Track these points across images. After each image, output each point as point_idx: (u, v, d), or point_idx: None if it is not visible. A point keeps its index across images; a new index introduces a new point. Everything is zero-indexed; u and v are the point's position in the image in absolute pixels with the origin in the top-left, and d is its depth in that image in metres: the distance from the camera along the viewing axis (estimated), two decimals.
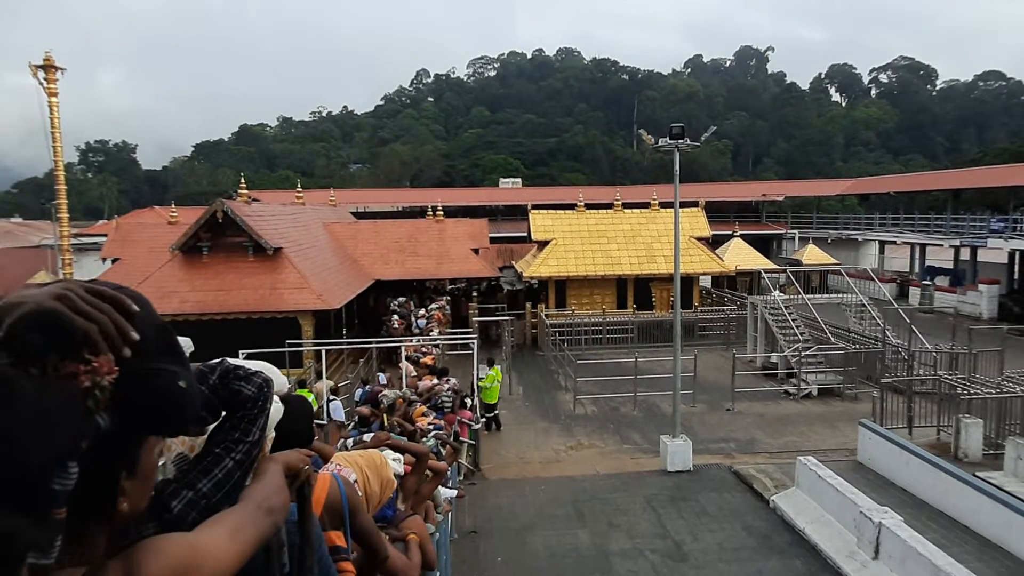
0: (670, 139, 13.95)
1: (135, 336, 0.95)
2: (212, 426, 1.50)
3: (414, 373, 14.18)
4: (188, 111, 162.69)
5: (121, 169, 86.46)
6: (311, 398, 13.14)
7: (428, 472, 5.78)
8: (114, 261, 25.88)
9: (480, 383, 15.69)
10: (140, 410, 0.97)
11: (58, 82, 18.89)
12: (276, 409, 2.76)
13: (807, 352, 19.20)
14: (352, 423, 11.05)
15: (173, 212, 28.75)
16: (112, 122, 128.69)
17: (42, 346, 0.86)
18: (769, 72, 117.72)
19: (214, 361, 1.52)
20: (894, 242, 40.95)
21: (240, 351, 14.22)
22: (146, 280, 18.66)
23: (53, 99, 17.91)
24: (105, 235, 28.53)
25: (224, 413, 1.49)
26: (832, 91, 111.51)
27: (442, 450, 8.60)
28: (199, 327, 17.48)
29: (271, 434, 3.18)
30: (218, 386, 1.46)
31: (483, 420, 15.22)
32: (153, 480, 1.12)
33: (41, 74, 18.31)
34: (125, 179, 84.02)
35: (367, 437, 7.60)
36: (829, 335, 20.40)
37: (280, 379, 2.79)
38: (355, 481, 3.11)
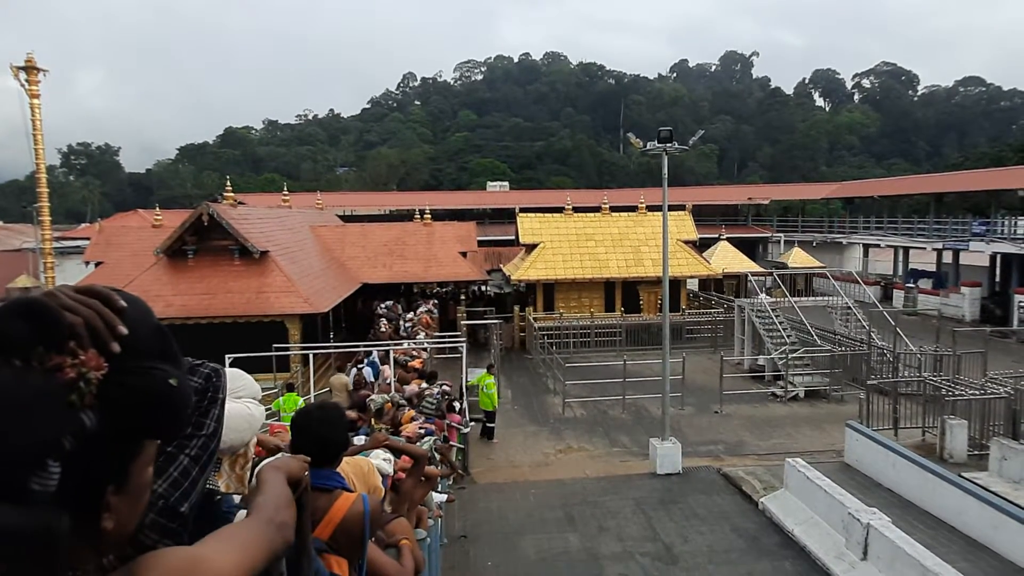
0: (658, 143, 14.01)
1: (123, 330, 0.92)
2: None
3: (390, 380, 14.08)
4: (172, 113, 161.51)
5: (104, 172, 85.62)
6: (300, 402, 13.05)
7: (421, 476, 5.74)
8: (97, 265, 25.57)
9: (471, 382, 15.68)
10: (128, 410, 0.92)
11: (40, 83, 18.71)
12: (256, 413, 2.69)
13: (794, 354, 19.33)
14: None
15: (158, 215, 28.44)
16: (93, 124, 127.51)
17: (26, 336, 0.83)
18: (754, 77, 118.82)
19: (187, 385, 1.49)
20: (878, 245, 41.39)
21: (226, 355, 14.12)
22: (130, 284, 18.43)
23: (35, 101, 17.72)
24: (88, 238, 28.25)
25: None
26: (816, 96, 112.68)
27: (437, 455, 8.56)
28: (184, 331, 17.28)
29: (251, 440, 3.09)
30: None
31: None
32: (143, 502, 1.06)
33: (23, 75, 18.12)
34: (108, 182, 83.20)
35: (357, 440, 7.53)
36: (815, 337, 20.55)
37: (254, 386, 2.71)
38: None
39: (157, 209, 31.88)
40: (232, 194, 21.27)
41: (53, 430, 0.82)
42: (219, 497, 2.15)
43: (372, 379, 14.49)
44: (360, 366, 14.75)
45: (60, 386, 0.84)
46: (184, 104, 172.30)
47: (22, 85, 17.61)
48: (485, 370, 16.17)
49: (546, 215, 29.63)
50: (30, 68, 17.50)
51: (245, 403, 2.27)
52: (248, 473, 2.32)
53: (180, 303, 17.85)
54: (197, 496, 1.39)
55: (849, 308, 22.34)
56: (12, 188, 76.14)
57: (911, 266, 38.63)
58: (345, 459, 3.70)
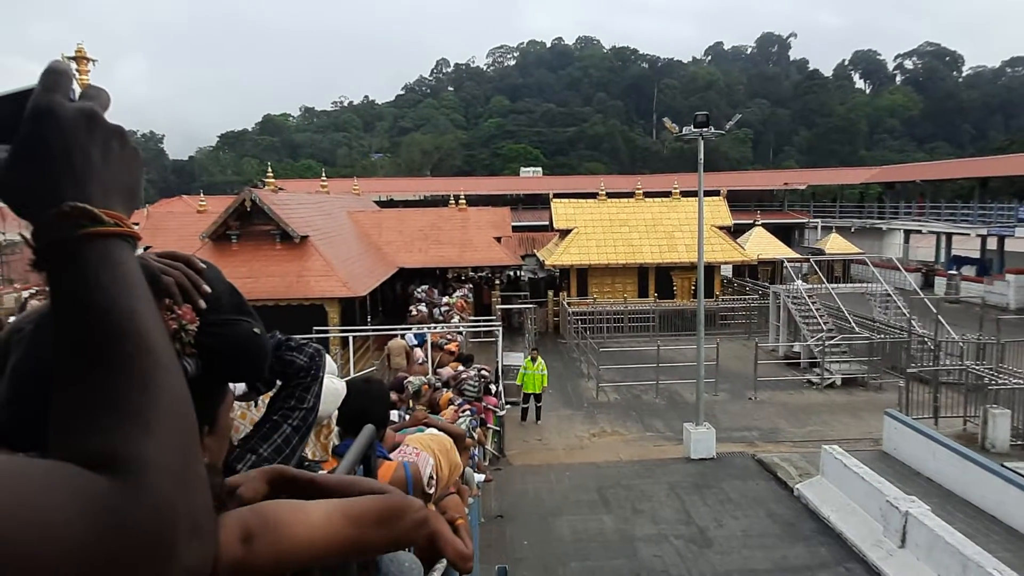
0: (694, 127, 13.95)
1: (207, 288, 1.02)
2: (269, 396, 1.62)
3: (421, 359, 14.59)
4: (212, 101, 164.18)
5: (149, 159, 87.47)
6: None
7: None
8: (146, 249, 26.20)
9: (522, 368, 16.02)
10: (222, 357, 1.03)
11: (89, 73, 19.24)
12: (340, 387, 2.89)
13: (831, 341, 19.13)
14: None
15: (202, 201, 29.14)
16: (137, 112, 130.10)
17: None
18: (791, 59, 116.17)
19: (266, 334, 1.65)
20: (919, 231, 40.41)
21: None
22: None
23: None
24: (136, 224, 29.07)
25: (280, 383, 1.60)
26: (856, 78, 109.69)
27: (474, 433, 8.79)
28: None
29: (334, 412, 3.30)
30: (271, 358, 1.55)
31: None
32: (228, 440, 1.20)
33: (73, 66, 18.66)
34: (153, 169, 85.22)
35: (392, 416, 7.77)
36: (853, 324, 20.28)
37: (330, 363, 2.93)
38: (432, 466, 3.21)
39: (201, 195, 32.68)
40: (273, 180, 21.73)
41: None
42: (307, 463, 2.37)
43: (415, 342, 15.32)
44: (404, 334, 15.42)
45: None
46: (223, 92, 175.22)
47: (72, 75, 18.12)
48: (530, 356, 16.40)
49: (580, 200, 29.61)
50: (80, 58, 17.98)
51: (330, 378, 2.47)
52: (331, 442, 2.53)
53: None
54: (295, 463, 1.57)
55: (888, 295, 21.98)
56: None
57: (954, 252, 37.68)
58: (429, 435, 3.85)
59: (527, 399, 16.13)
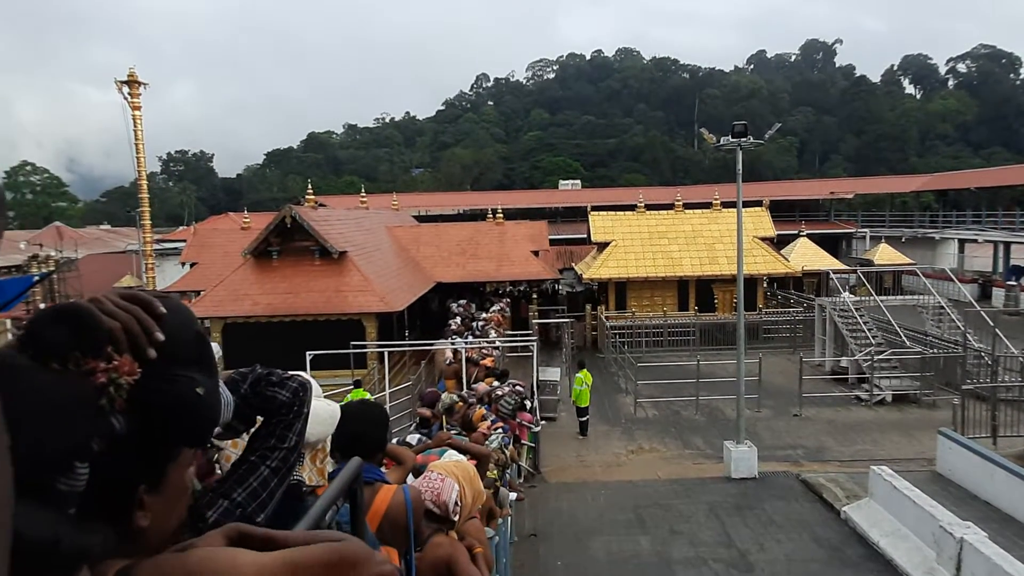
0: (732, 137, 13.67)
1: (160, 336, 0.93)
2: (251, 432, 1.49)
3: (449, 361, 14.90)
4: (259, 120, 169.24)
5: (199, 177, 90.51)
6: (368, 397, 13.48)
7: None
8: (192, 265, 27.10)
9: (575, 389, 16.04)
10: (155, 415, 0.94)
11: (141, 96, 20.01)
12: (334, 410, 2.82)
13: (880, 356, 18.44)
14: (413, 424, 11.24)
15: (246, 218, 29.90)
16: (188, 132, 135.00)
17: (63, 341, 0.85)
18: (837, 65, 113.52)
19: (245, 368, 1.51)
20: (975, 240, 38.86)
21: (307, 352, 14.74)
22: (220, 284, 19.47)
23: (136, 113, 18.97)
24: (184, 241, 29.93)
25: (261, 420, 1.48)
26: (906, 83, 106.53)
27: (506, 451, 8.67)
28: (269, 328, 18.17)
29: (328, 437, 3.22)
30: (249, 394, 1.45)
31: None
32: (184, 501, 1.07)
33: (126, 89, 19.42)
34: (203, 187, 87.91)
35: (411, 439, 7.69)
36: (904, 338, 19.53)
37: (316, 387, 2.86)
38: (458, 492, 3.13)
39: (245, 212, 33.54)
40: (313, 197, 22.09)
41: (82, 434, 0.83)
42: (304, 488, 2.28)
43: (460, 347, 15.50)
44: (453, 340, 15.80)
45: (92, 391, 0.85)
46: (269, 110, 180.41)
47: (125, 98, 18.85)
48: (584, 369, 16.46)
49: (618, 213, 29.38)
50: (132, 82, 18.68)
51: (324, 401, 2.41)
52: (327, 467, 2.47)
53: (266, 302, 18.71)
54: (273, 507, 1.42)
55: (942, 307, 21.11)
56: (118, 194, 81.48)
57: (1013, 262, 36.08)
58: (453, 463, 3.77)
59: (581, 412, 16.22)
